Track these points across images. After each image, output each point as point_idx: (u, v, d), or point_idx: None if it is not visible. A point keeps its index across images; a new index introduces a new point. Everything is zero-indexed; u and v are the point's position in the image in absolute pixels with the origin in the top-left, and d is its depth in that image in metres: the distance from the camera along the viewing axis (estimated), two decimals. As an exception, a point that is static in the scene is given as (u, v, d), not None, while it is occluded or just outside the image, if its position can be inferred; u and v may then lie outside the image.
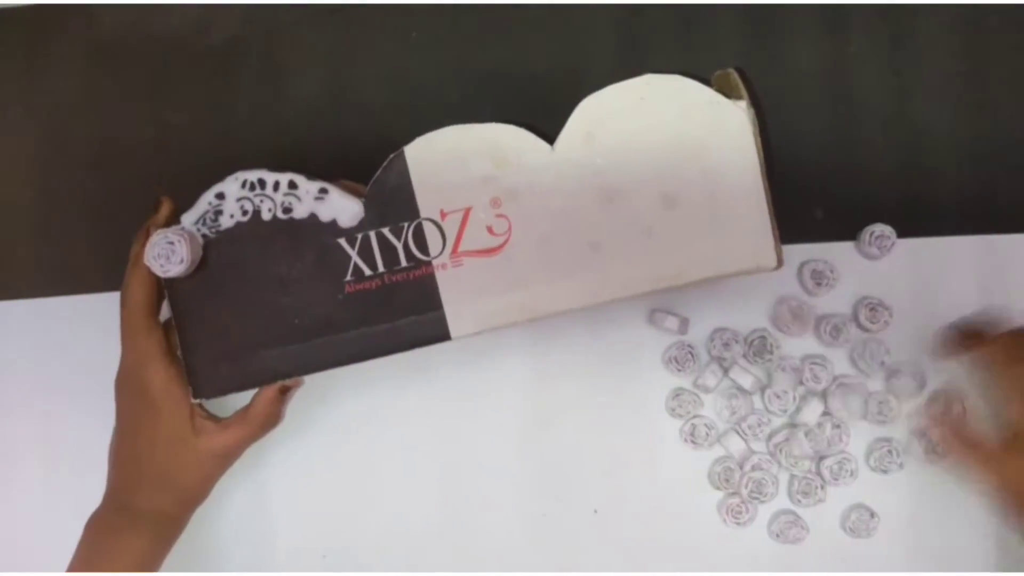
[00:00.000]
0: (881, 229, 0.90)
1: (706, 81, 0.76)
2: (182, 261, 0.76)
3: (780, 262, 0.77)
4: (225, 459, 0.86)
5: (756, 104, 0.75)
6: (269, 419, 0.85)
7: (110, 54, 0.97)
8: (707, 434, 0.92)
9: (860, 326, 0.92)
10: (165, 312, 0.84)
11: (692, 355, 0.92)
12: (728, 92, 0.77)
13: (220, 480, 0.91)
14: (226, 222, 0.78)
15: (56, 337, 0.97)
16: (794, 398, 0.91)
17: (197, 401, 0.81)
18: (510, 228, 0.77)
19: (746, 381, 0.91)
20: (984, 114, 0.92)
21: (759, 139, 0.76)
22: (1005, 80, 0.93)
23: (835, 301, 0.93)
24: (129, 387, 0.83)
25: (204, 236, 0.79)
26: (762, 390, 0.92)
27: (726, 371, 0.93)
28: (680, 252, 0.76)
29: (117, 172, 0.97)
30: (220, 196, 0.78)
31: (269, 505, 0.95)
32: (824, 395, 0.91)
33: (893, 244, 0.91)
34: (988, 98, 0.93)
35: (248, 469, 0.94)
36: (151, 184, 0.83)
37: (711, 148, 0.76)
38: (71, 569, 0.82)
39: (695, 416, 0.93)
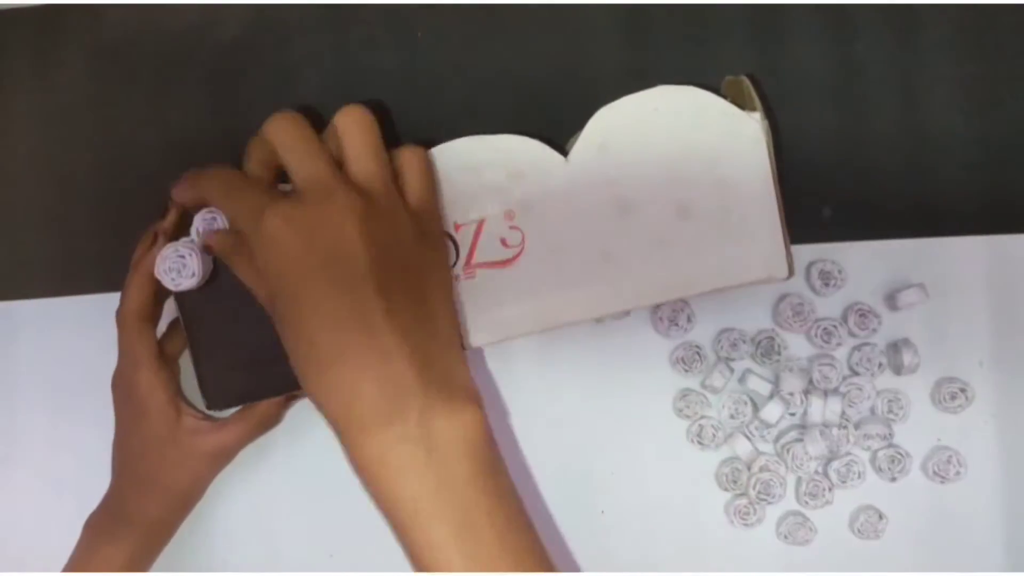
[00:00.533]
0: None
1: (717, 90, 0.77)
2: (193, 275, 0.76)
3: (791, 272, 0.77)
4: (218, 458, 0.86)
5: (768, 114, 0.76)
6: (270, 420, 0.86)
7: (116, 54, 0.97)
8: (714, 435, 0.92)
9: (850, 332, 0.92)
10: (170, 314, 0.85)
11: (699, 355, 0.92)
12: (740, 101, 0.77)
13: (226, 480, 0.92)
14: (237, 233, 0.79)
15: (62, 337, 0.97)
16: (800, 400, 0.91)
17: (207, 410, 0.82)
18: (524, 240, 0.77)
19: (764, 388, 0.91)
20: (992, 114, 0.92)
21: (772, 149, 0.76)
22: (1013, 80, 0.92)
23: (843, 301, 0.92)
24: (120, 390, 0.84)
25: (215, 247, 0.79)
26: (771, 393, 0.92)
27: (742, 379, 0.93)
28: (693, 263, 0.77)
29: (123, 172, 0.96)
30: (230, 207, 0.78)
31: (275, 504, 0.95)
32: (835, 394, 0.92)
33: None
34: (996, 98, 0.92)
35: (254, 468, 0.94)
36: (157, 185, 0.82)
37: (724, 159, 0.76)
38: (64, 570, 0.84)
39: (702, 417, 0.93)
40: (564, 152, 0.77)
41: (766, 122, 0.76)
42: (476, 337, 0.78)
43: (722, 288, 0.77)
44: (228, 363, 0.80)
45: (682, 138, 0.76)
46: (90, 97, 0.97)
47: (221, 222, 0.76)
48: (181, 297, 0.79)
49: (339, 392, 0.66)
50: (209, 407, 0.81)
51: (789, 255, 0.77)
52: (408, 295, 0.68)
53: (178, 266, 0.76)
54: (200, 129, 0.96)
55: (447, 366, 0.69)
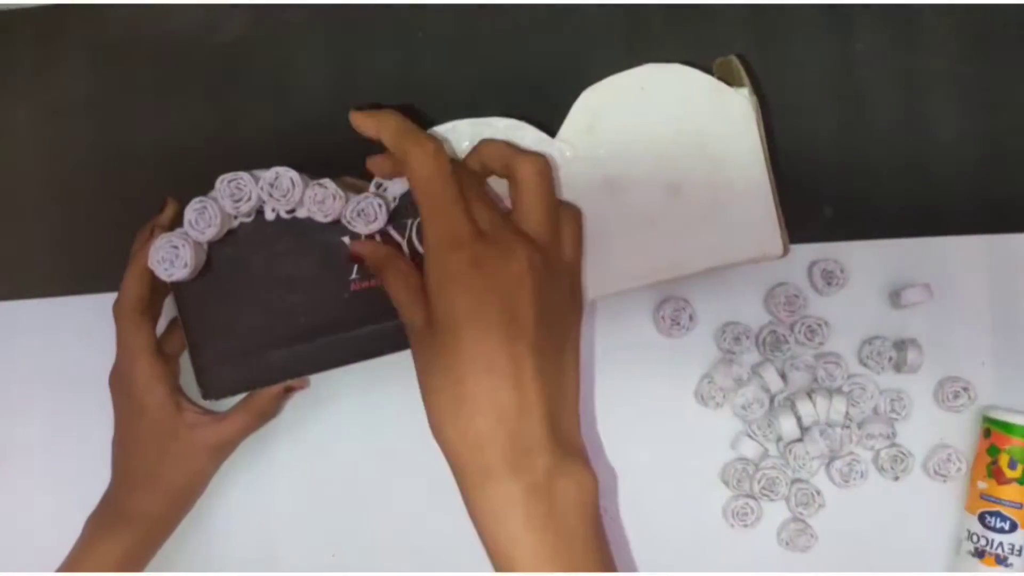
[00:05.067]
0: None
1: (707, 70, 0.77)
2: (186, 265, 0.76)
3: (786, 250, 0.77)
4: (219, 452, 0.87)
5: (757, 91, 0.76)
6: (268, 411, 0.87)
7: (117, 54, 0.98)
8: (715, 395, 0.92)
9: (797, 340, 0.91)
10: (170, 311, 0.85)
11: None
12: (730, 80, 0.77)
13: (228, 479, 0.92)
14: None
15: (62, 337, 0.97)
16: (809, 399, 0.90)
17: (203, 400, 0.82)
18: (515, 223, 0.77)
19: (775, 384, 0.91)
20: (993, 112, 0.92)
21: (762, 126, 0.76)
22: (1014, 78, 0.93)
23: (845, 301, 0.92)
24: (118, 385, 0.85)
25: (209, 238, 0.79)
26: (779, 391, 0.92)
27: (753, 373, 0.92)
28: (685, 241, 0.77)
29: (124, 172, 0.97)
30: (224, 197, 0.78)
31: (277, 504, 0.95)
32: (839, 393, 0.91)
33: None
34: (997, 96, 0.92)
35: (256, 468, 0.94)
36: (158, 185, 0.83)
37: (714, 136, 0.76)
38: (59, 569, 0.83)
39: (707, 378, 0.92)
40: (553, 134, 0.78)
41: (755, 98, 0.76)
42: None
43: (716, 267, 0.77)
44: (224, 353, 0.80)
45: (670, 116, 0.76)
46: (91, 97, 0.98)
47: (212, 211, 0.76)
48: (177, 288, 0.79)
49: (473, 436, 0.67)
50: (205, 397, 0.81)
51: (783, 233, 0.77)
52: (553, 354, 0.70)
53: (171, 256, 0.76)
54: (201, 129, 0.97)
55: (570, 425, 0.71)
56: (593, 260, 0.77)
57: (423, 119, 0.78)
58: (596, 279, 0.78)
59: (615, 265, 0.77)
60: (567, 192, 0.77)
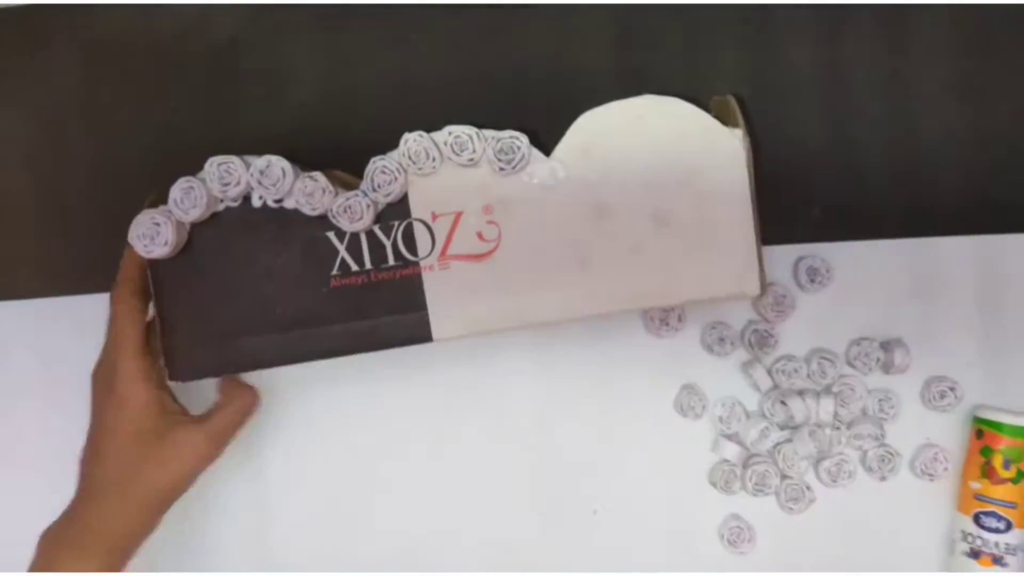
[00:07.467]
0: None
1: (704, 105, 0.76)
2: (166, 243, 0.76)
3: (763, 290, 0.77)
4: (203, 459, 0.82)
5: (751, 132, 0.75)
6: (249, 405, 0.85)
7: (109, 54, 0.96)
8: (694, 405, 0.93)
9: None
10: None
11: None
12: (725, 118, 0.76)
13: (222, 479, 0.92)
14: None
15: (57, 337, 0.97)
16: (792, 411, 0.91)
17: (169, 380, 0.81)
18: (500, 235, 0.77)
19: (764, 383, 0.92)
20: (982, 113, 0.92)
21: (752, 168, 0.75)
22: (1002, 80, 0.92)
23: (827, 299, 0.92)
24: (101, 377, 0.82)
25: (192, 218, 0.78)
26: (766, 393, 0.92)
27: (742, 372, 0.93)
28: (667, 272, 0.77)
29: (116, 172, 0.96)
30: (212, 178, 0.77)
31: (269, 505, 0.96)
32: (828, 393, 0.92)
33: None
34: (985, 98, 0.93)
35: (248, 469, 0.95)
36: (149, 185, 0.82)
37: (704, 173, 0.76)
38: None
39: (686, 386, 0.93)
40: (548, 153, 0.77)
41: (747, 140, 0.75)
42: (445, 328, 0.78)
43: (694, 301, 0.78)
44: (196, 335, 0.80)
45: (663, 148, 0.76)
46: (86, 97, 0.97)
47: (198, 192, 0.75)
48: (154, 264, 0.79)
49: None
50: (172, 378, 0.80)
51: (762, 273, 0.77)
52: None
53: (152, 233, 0.76)
54: (196, 129, 0.96)
55: None
56: (575, 283, 0.78)
57: (415, 120, 0.77)
58: (576, 301, 0.78)
59: (596, 289, 0.77)
60: (556, 213, 0.77)
